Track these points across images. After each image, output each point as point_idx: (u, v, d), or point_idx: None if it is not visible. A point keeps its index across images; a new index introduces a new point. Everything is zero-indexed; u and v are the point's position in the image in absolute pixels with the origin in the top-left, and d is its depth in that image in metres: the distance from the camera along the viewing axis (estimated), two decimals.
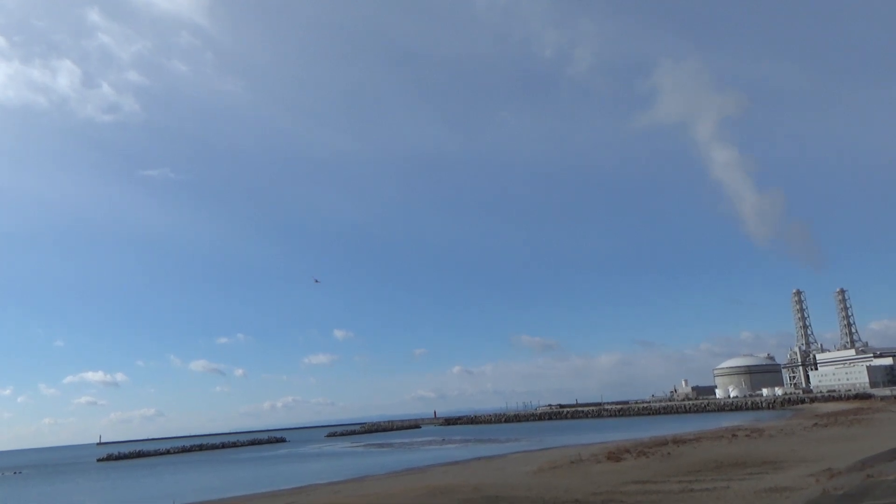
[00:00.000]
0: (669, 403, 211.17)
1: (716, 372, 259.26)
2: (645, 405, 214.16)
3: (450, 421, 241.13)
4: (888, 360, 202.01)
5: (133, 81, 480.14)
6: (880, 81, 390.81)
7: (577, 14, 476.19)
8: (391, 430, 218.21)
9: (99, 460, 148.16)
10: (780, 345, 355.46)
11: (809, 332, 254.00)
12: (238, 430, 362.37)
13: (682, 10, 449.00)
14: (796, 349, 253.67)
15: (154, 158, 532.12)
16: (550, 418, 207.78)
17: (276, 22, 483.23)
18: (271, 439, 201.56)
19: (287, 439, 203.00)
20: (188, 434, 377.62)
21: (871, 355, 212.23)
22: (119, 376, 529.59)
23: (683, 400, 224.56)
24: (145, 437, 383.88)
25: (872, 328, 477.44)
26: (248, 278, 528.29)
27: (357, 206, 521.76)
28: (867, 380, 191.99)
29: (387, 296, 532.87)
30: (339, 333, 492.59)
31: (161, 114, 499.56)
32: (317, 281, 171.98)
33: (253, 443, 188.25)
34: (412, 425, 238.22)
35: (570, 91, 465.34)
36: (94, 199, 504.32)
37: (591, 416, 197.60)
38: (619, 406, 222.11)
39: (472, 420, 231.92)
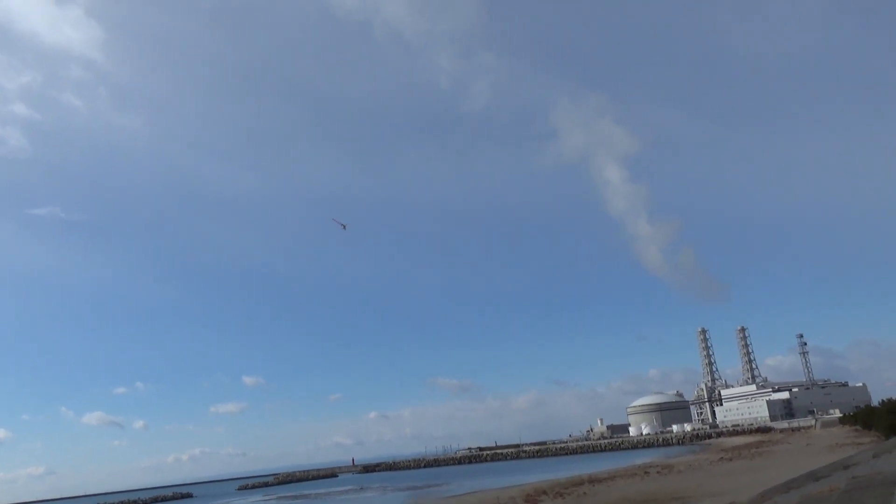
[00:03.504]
0: (586, 443, 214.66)
1: (629, 410, 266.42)
2: (562, 445, 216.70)
3: (368, 468, 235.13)
4: (785, 394, 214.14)
5: (20, 114, 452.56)
6: (772, 123, 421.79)
7: (476, 48, 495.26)
8: (307, 479, 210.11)
9: None
10: (687, 381, 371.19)
11: (714, 369, 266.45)
12: (139, 487, 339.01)
13: (578, 50, 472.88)
14: (703, 386, 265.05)
15: (42, 196, 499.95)
16: (470, 461, 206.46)
17: (176, 57, 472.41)
18: (176, 495, 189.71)
19: (194, 494, 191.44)
20: (83, 494, 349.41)
21: (770, 390, 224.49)
22: (0, 433, 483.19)
23: (599, 439, 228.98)
24: (32, 499, 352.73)
25: (769, 364, 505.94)
26: (147, 322, 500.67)
27: (263, 246, 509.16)
28: (767, 413, 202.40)
29: (297, 339, 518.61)
30: (248, 380, 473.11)
31: (51, 149, 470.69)
32: (344, 226, 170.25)
33: (156, 500, 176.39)
34: (329, 474, 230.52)
35: (472, 128, 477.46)
36: None
37: (511, 458, 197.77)
38: (537, 447, 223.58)
39: (391, 466, 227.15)
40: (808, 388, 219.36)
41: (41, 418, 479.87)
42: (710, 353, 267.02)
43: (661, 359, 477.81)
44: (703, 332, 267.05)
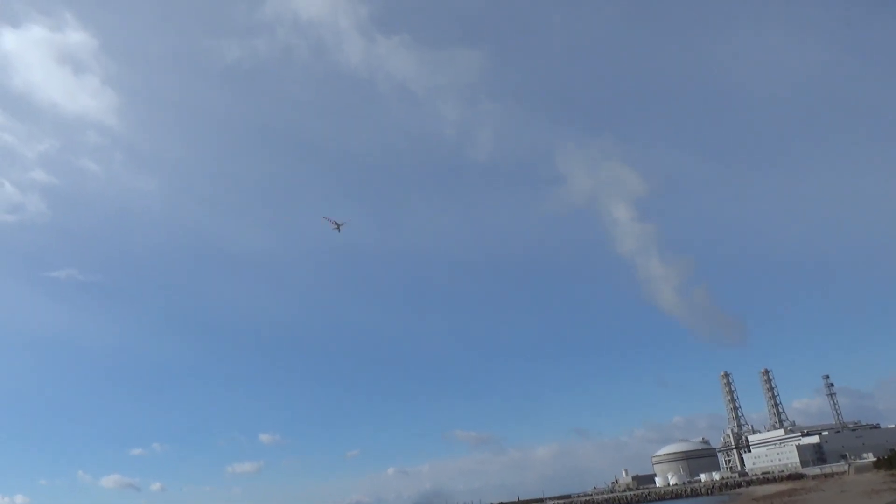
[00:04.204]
0: (612, 495, 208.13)
1: (654, 459, 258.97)
2: (587, 498, 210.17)
3: None
4: (815, 439, 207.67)
5: (39, 180, 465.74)
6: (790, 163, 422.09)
7: (480, 97, 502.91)
8: None
9: None
10: (712, 427, 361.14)
11: (740, 414, 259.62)
12: None
13: (581, 95, 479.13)
14: (729, 432, 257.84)
15: (60, 259, 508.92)
16: None
17: (189, 119, 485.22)
18: None
19: None
20: None
21: (799, 434, 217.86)
22: (19, 499, 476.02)
23: (625, 490, 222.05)
24: None
25: (795, 407, 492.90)
26: (162, 381, 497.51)
27: (277, 301, 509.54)
28: (797, 459, 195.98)
29: (313, 394, 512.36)
30: (265, 437, 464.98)
31: (69, 213, 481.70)
32: (338, 226, 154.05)
33: None
34: None
35: (479, 175, 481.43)
36: None
37: None
38: (561, 500, 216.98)
39: None
40: (838, 432, 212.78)
41: (59, 482, 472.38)
42: (735, 397, 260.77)
43: (684, 405, 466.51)
44: (726, 375, 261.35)
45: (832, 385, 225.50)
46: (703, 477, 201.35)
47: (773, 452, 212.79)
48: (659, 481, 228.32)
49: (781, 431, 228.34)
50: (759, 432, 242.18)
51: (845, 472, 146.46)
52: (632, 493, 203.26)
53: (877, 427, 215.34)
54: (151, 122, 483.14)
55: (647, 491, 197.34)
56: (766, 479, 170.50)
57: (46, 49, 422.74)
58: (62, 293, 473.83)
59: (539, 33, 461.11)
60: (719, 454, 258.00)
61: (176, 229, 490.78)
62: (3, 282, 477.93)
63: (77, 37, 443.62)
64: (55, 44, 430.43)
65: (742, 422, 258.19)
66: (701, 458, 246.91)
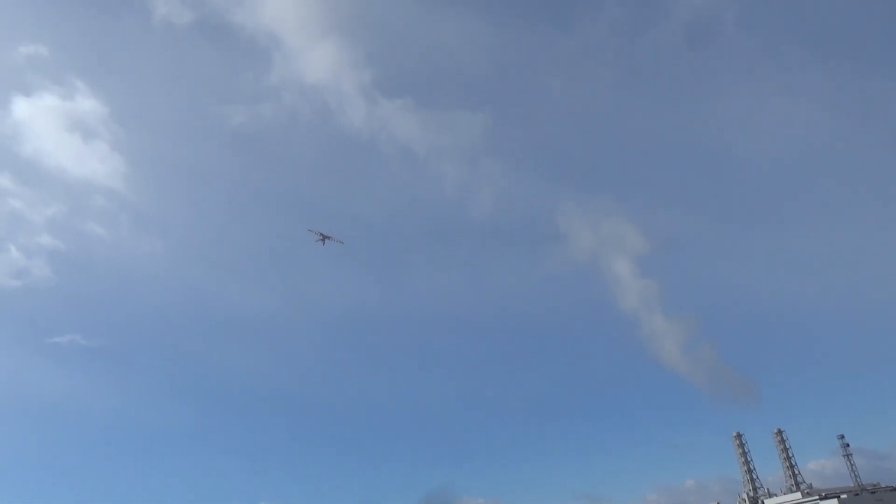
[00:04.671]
0: None
1: None
2: None
3: None
4: (833, 502, 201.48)
5: (45, 245, 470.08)
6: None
7: (480, 156, 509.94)
8: None
9: None
10: (726, 491, 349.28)
11: (755, 476, 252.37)
12: None
13: (582, 155, 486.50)
14: (744, 496, 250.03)
15: (64, 324, 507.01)
16: None
17: (195, 182, 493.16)
18: None
19: None
20: None
21: (817, 497, 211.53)
22: None
23: None
24: None
25: (811, 468, 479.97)
26: (163, 448, 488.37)
27: (280, 366, 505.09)
28: None
29: (315, 461, 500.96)
30: None
31: (73, 278, 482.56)
32: (324, 240, 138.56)
33: None
34: None
35: (480, 235, 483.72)
36: None
37: None
38: None
39: None
40: (857, 494, 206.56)
41: None
42: (749, 459, 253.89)
43: (697, 467, 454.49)
44: (739, 436, 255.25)
45: (848, 445, 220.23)
46: None
47: None
48: None
49: (798, 495, 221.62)
50: (776, 495, 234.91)
51: None
52: None
53: None
54: (158, 186, 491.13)
55: None
56: None
57: (57, 116, 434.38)
58: (65, 359, 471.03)
59: (539, 97, 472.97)
60: None
61: (180, 292, 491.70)
62: (5, 348, 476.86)
63: (87, 104, 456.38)
64: (66, 111, 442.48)
65: (757, 484, 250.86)
66: None
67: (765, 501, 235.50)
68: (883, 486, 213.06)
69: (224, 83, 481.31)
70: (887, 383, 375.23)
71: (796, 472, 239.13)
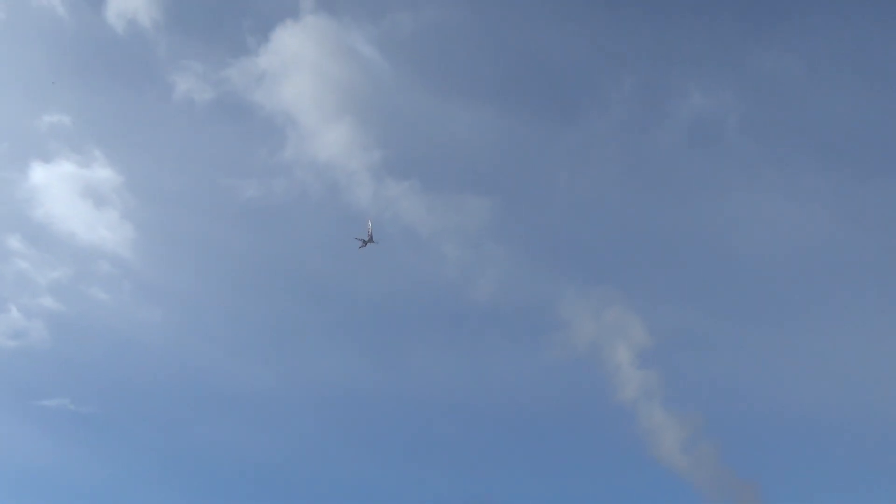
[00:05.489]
0: None
1: None
2: None
3: None
4: None
5: (47, 307, 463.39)
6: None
7: (485, 240, 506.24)
8: None
9: None
10: None
11: None
12: None
13: (586, 245, 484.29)
14: None
15: (55, 388, 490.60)
16: None
17: (201, 254, 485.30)
18: None
19: None
20: None
21: None
22: None
23: None
24: None
25: None
26: None
27: (273, 445, 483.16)
28: None
29: None
30: None
31: (70, 341, 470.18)
32: (366, 242, 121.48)
33: None
34: None
35: (481, 320, 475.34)
36: None
37: None
38: None
39: None
40: None
41: None
42: None
43: None
44: None
45: None
46: None
47: None
48: None
49: None
50: None
51: None
52: None
53: None
54: (164, 256, 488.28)
55: None
56: None
57: (72, 183, 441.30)
58: (51, 423, 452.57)
59: (546, 186, 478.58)
60: None
61: (176, 364, 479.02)
62: None
63: (103, 173, 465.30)
64: (82, 179, 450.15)
65: None
66: None
67: None
68: None
69: (238, 158, 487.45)
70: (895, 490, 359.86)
71: None
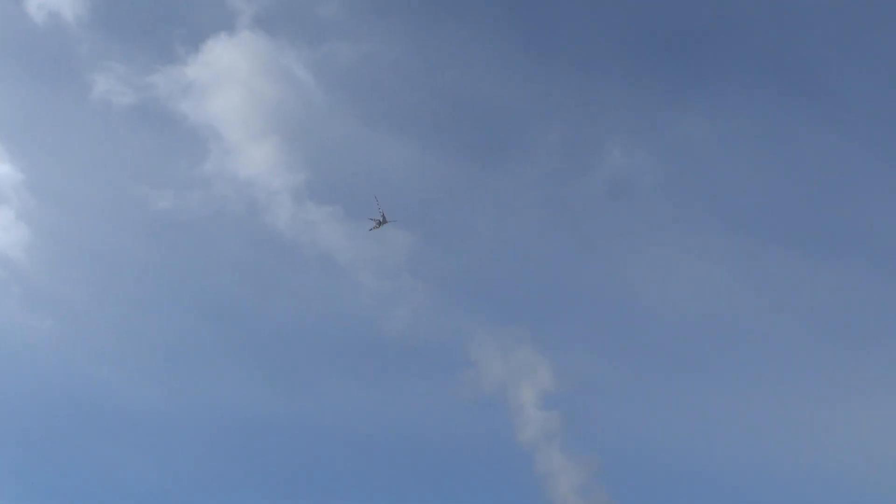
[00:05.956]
0: None
1: None
2: None
3: None
4: None
5: None
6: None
7: (402, 272, 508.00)
8: None
9: None
10: None
11: None
12: None
13: (500, 287, 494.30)
14: None
15: None
16: None
17: (101, 266, 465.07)
18: None
19: None
20: None
21: None
22: None
23: None
24: None
25: None
26: None
27: (158, 469, 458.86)
28: None
29: None
30: None
31: None
32: (380, 223, 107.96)
33: None
34: None
35: (391, 352, 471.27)
36: None
37: None
38: None
39: None
40: None
41: None
42: None
43: None
44: None
45: None
46: None
47: None
48: None
49: None
50: None
51: None
52: None
53: None
54: (60, 262, 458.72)
55: None
56: None
57: None
58: None
59: (466, 227, 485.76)
60: None
61: (60, 375, 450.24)
62: None
63: (2, 168, 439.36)
64: None
65: None
66: None
67: None
68: None
69: (154, 167, 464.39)
70: None
71: None
